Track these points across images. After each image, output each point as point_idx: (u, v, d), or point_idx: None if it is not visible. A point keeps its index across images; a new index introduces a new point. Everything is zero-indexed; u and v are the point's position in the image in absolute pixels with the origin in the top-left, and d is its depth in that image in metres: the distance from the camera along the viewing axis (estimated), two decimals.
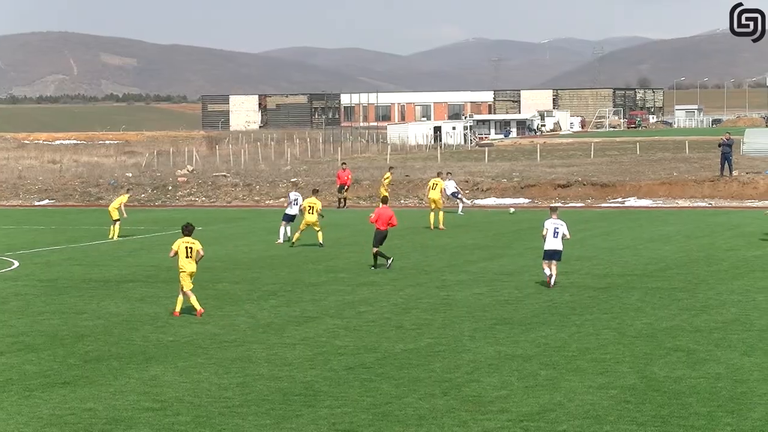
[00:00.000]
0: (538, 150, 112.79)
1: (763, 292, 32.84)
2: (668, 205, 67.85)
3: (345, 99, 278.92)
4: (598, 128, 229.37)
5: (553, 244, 34.30)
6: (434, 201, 53.43)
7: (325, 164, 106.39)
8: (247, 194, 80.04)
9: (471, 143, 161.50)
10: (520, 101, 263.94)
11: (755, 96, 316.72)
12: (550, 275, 34.31)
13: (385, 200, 44.63)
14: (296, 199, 50.11)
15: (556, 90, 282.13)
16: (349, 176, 71.56)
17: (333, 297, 33.57)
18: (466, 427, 18.80)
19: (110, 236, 52.63)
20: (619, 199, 71.07)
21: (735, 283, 34.75)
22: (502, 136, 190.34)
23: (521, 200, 72.65)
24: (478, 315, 29.91)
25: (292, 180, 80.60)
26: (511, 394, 20.96)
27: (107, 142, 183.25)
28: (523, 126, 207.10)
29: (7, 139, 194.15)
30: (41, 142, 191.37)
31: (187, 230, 31.55)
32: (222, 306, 32.31)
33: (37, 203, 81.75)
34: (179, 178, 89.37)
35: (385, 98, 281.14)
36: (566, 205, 69.63)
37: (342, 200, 71.05)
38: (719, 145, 76.00)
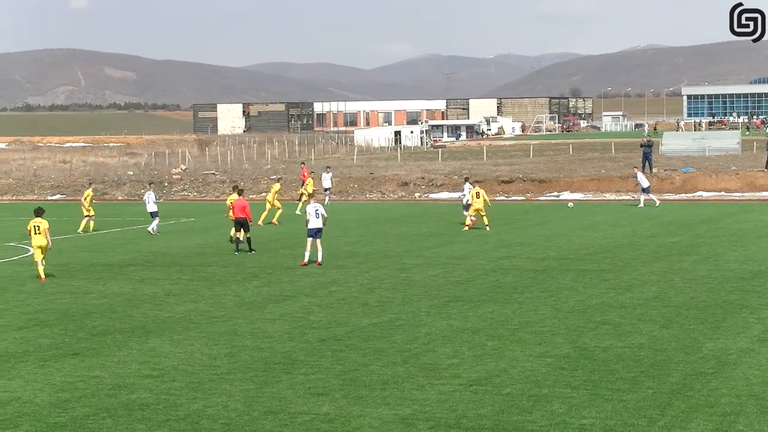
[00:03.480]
0: (485, 151, 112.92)
1: (680, 273, 32.96)
2: (597, 198, 68.04)
3: (317, 107, 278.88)
4: (536, 132, 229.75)
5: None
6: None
7: (300, 164, 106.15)
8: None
9: (427, 145, 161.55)
10: (468, 108, 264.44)
11: (671, 103, 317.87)
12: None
13: (240, 192, 42.99)
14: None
15: (500, 99, 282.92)
16: (307, 174, 71.13)
17: (307, 279, 33.49)
18: (424, 390, 18.79)
19: (79, 230, 50.50)
20: (555, 193, 71.20)
21: (655, 265, 34.86)
22: (453, 138, 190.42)
23: None
24: (434, 294, 29.91)
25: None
26: (462, 362, 20.96)
27: (111, 144, 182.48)
28: (471, 130, 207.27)
29: (24, 143, 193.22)
30: (53, 144, 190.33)
31: (37, 213, 35.17)
32: (211, 286, 32.20)
33: (50, 198, 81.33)
34: (174, 176, 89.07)
35: (352, 106, 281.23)
36: (509, 199, 69.77)
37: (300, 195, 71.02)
38: (641, 146, 76.32)
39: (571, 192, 70.64)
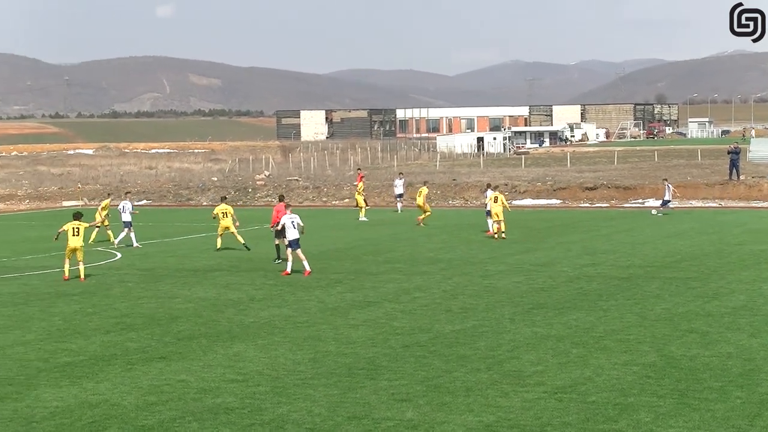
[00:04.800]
0: (568, 157, 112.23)
1: None
2: (683, 206, 67.30)
3: (400, 113, 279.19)
4: (620, 138, 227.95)
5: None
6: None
7: (383, 170, 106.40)
8: (316, 196, 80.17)
9: (509, 151, 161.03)
10: (552, 115, 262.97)
11: (759, 110, 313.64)
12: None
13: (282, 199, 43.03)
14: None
15: (584, 105, 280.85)
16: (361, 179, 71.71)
17: (391, 284, 33.52)
18: (508, 398, 18.71)
19: (91, 240, 48.62)
20: (640, 200, 70.55)
21: (743, 273, 34.40)
22: (536, 145, 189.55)
23: (553, 201, 72.31)
24: (517, 300, 29.78)
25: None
26: (546, 370, 20.84)
27: (196, 150, 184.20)
28: (554, 136, 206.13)
29: (110, 149, 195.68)
30: (139, 150, 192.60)
31: (76, 217, 36.34)
32: (295, 292, 32.35)
33: (136, 203, 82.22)
34: (257, 182, 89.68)
35: (434, 113, 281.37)
36: (593, 205, 69.25)
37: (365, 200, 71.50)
38: (728, 153, 75.31)
39: (656, 199, 69.87)
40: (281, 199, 42.23)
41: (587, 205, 69.84)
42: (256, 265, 39.36)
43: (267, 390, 19.58)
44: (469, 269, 36.97)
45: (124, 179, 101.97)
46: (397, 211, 65.75)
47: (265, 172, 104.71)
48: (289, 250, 36.52)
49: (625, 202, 70.56)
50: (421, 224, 54.47)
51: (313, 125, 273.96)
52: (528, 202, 72.76)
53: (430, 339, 24.29)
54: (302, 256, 36.45)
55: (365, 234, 51.54)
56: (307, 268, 36.38)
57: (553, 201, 72.40)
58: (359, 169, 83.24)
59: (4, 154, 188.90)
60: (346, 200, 76.86)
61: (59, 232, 36.79)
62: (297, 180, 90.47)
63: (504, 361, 21.69)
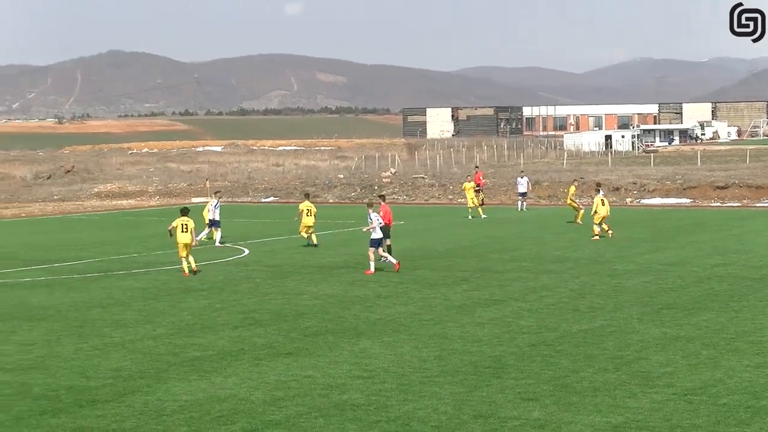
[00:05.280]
0: (699, 156, 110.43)
1: None
2: None
3: (526, 111, 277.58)
4: (753, 137, 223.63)
5: None
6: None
7: (509, 168, 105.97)
8: (442, 193, 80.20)
9: (638, 150, 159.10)
10: (681, 113, 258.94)
11: None
12: None
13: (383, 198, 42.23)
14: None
15: (715, 103, 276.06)
16: (482, 178, 71.60)
17: (517, 283, 33.37)
18: (636, 399, 18.48)
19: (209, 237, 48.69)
20: None
21: None
22: (666, 143, 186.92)
23: (683, 200, 71.29)
24: (646, 300, 29.40)
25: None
26: (676, 371, 20.53)
27: (322, 148, 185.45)
28: (684, 135, 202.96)
29: (238, 146, 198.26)
30: (267, 148, 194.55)
31: (184, 213, 37.01)
32: (421, 289, 32.38)
33: (263, 200, 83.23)
34: (383, 179, 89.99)
35: (562, 110, 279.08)
36: (724, 205, 68.07)
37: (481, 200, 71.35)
38: None
39: None
40: (383, 198, 42.03)
41: (718, 204, 68.68)
42: (382, 263, 39.46)
43: (393, 387, 19.63)
44: (596, 268, 36.62)
45: (252, 176, 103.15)
46: (519, 209, 65.38)
47: (391, 169, 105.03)
48: (372, 249, 36.75)
49: (757, 201, 69.20)
50: (578, 222, 53.32)
51: (439, 123, 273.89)
52: (657, 201, 71.82)
53: (557, 338, 24.11)
54: (372, 256, 36.67)
55: (491, 232, 51.38)
56: (372, 269, 36.49)
57: (683, 200, 71.36)
58: (477, 167, 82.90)
59: (135, 151, 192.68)
60: (461, 199, 76.79)
61: (170, 229, 37.34)
62: (423, 177, 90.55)
63: (632, 362, 21.43)
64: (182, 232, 36.76)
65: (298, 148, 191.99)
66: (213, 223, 47.81)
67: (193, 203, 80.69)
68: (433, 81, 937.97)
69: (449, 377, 20.33)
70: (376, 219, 36.69)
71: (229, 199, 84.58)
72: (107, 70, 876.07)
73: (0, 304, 31.01)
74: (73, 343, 24.49)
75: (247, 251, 44.53)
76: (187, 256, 36.90)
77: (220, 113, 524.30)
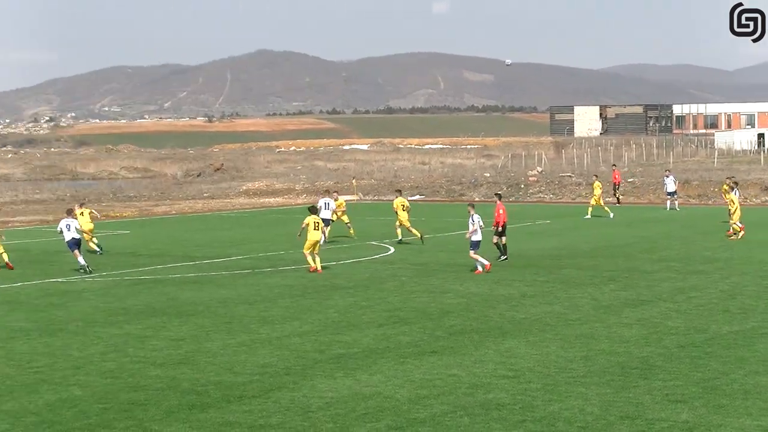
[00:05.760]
0: None
1: None
2: None
3: (676, 109, 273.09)
4: None
5: None
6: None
7: (658, 166, 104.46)
8: (589, 192, 79.28)
9: None
10: None
11: None
12: None
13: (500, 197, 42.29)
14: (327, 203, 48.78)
15: None
16: (619, 177, 71.18)
17: (665, 283, 32.87)
18: None
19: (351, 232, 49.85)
20: None
21: None
22: None
23: None
24: None
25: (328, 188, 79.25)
26: None
27: (468, 146, 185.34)
28: None
29: (385, 144, 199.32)
30: (413, 146, 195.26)
31: (312, 211, 38.27)
32: (567, 289, 32.14)
33: (409, 198, 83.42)
34: (530, 178, 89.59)
35: (713, 108, 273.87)
36: None
37: (618, 198, 70.80)
38: None
39: None
40: (500, 197, 41.86)
41: None
42: (528, 262, 39.30)
43: (538, 387, 19.51)
44: (748, 269, 35.88)
45: (398, 174, 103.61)
46: (668, 208, 64.38)
47: (538, 168, 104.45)
48: (473, 251, 36.65)
49: None
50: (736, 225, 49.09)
51: (586, 121, 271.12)
52: None
53: (707, 340, 23.68)
54: (477, 257, 36.53)
55: (638, 231, 50.74)
56: (480, 268, 36.36)
57: None
58: (614, 165, 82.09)
59: (283, 149, 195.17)
60: (623, 197, 75.92)
61: (302, 228, 37.70)
62: (570, 176, 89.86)
63: None
64: (314, 229, 37.27)
65: (444, 146, 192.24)
66: (326, 222, 47.98)
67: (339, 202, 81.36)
68: (580, 79, 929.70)
69: (595, 378, 20.13)
70: (477, 221, 36.61)
71: (375, 197, 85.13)
72: (256, 70, 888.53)
73: (151, 299, 31.69)
74: (221, 339, 24.91)
75: (392, 249, 44.72)
76: (316, 255, 37.30)
77: (367, 112, 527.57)
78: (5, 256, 40.46)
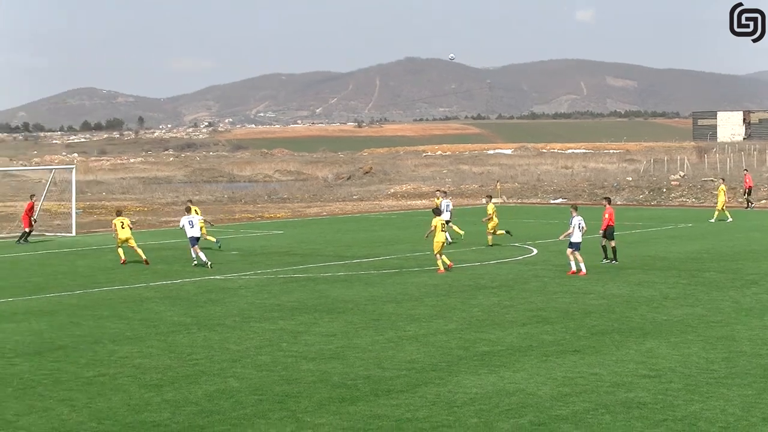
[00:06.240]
0: None
1: None
2: None
3: None
4: None
5: None
6: None
7: None
8: (732, 197, 77.87)
9: None
10: None
11: None
12: None
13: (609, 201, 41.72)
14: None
15: None
16: (750, 181, 69.68)
17: None
18: None
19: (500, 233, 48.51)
20: None
21: None
22: None
23: None
24: None
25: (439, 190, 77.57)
26: None
27: (611, 151, 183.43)
28: None
29: (528, 149, 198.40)
30: (556, 150, 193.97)
31: (437, 213, 38.49)
32: (709, 291, 31.61)
33: (552, 201, 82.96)
34: (672, 182, 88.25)
35: None
36: None
37: (748, 202, 69.27)
38: None
39: None
40: (609, 201, 41.39)
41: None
42: (669, 264, 38.78)
43: (679, 387, 19.25)
44: None
45: (541, 178, 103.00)
46: None
47: (680, 172, 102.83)
48: (570, 250, 36.43)
49: None
50: None
51: (729, 126, 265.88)
52: None
53: None
54: (580, 257, 36.34)
55: None
56: (573, 268, 36.22)
57: None
58: (746, 170, 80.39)
59: (429, 153, 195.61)
60: (763, 201, 74.30)
61: (431, 231, 37.87)
62: (712, 180, 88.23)
63: None
64: (441, 231, 37.64)
65: (587, 151, 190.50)
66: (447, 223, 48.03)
67: (483, 205, 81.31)
68: (724, 85, 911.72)
69: (737, 379, 19.78)
70: (577, 223, 36.65)
71: (518, 200, 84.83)
72: (404, 76, 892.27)
73: (303, 296, 32.09)
74: (369, 336, 25.12)
75: (535, 251, 44.51)
76: (441, 254, 37.49)
77: (511, 117, 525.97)
78: (141, 252, 41.75)
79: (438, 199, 51.79)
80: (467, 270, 38.01)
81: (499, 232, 47.03)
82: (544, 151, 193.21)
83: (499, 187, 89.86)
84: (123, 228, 41.99)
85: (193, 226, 40.90)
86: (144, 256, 41.44)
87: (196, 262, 40.28)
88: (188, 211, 42.85)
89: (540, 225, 59.08)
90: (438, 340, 24.44)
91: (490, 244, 46.48)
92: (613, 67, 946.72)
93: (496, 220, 46.53)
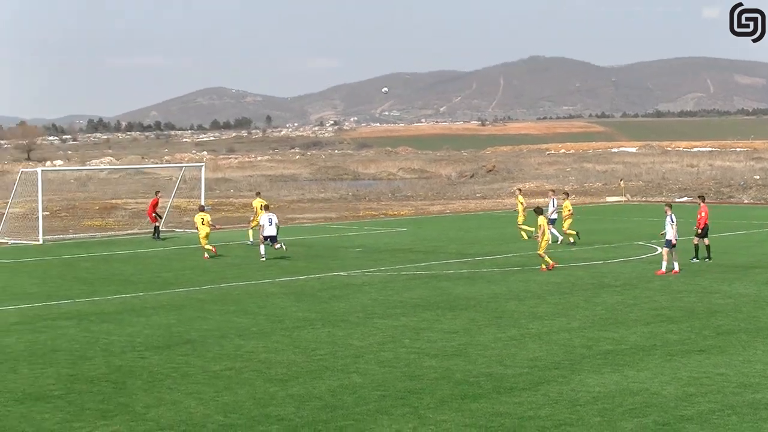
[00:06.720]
0: None
1: None
2: None
3: None
4: None
5: None
6: None
7: None
8: None
9: None
10: None
11: None
12: None
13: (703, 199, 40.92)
14: None
15: None
16: None
17: None
18: None
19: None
20: None
21: None
22: None
23: None
24: None
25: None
26: None
27: (737, 149, 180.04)
28: None
29: (653, 147, 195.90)
30: (681, 149, 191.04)
31: (538, 212, 37.81)
32: None
33: (677, 200, 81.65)
34: None
35: None
36: None
37: None
38: None
39: None
40: (703, 199, 40.43)
41: None
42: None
43: None
44: None
45: (666, 176, 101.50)
46: None
47: None
48: (666, 249, 35.99)
49: None
50: None
51: None
52: None
53: None
54: (666, 256, 35.92)
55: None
56: (663, 268, 35.62)
57: None
58: None
59: (553, 151, 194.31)
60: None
61: (541, 229, 37.69)
62: None
63: None
64: (546, 230, 37.83)
65: (713, 149, 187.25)
66: (551, 221, 47.41)
67: (607, 203, 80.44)
68: None
69: None
70: (669, 221, 36.07)
71: (643, 199, 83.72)
72: (528, 75, 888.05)
73: (426, 293, 32.06)
74: (492, 333, 24.96)
75: (659, 249, 43.71)
76: (543, 254, 37.47)
77: (636, 115, 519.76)
78: (204, 242, 43.68)
79: (519, 196, 51.73)
80: (590, 268, 37.58)
81: (569, 231, 46.67)
82: (669, 149, 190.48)
83: (622, 185, 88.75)
84: (203, 224, 43.84)
85: (271, 224, 41.82)
86: (207, 254, 43.42)
87: (264, 258, 41.77)
88: (267, 209, 44.09)
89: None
90: (560, 338, 24.18)
91: (572, 241, 46.40)
92: (741, 64, 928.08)
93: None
